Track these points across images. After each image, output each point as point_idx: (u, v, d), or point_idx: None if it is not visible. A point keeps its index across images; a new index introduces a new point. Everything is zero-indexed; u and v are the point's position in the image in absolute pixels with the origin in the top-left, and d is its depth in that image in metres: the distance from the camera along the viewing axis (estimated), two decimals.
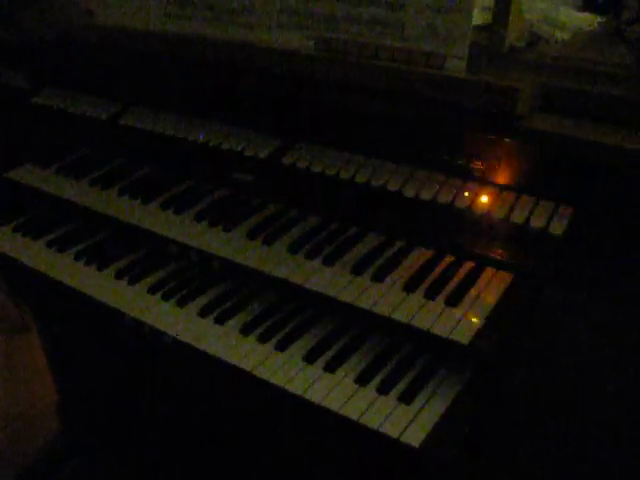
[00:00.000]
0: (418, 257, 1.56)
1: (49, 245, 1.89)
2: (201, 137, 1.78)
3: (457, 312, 1.40)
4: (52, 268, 1.81)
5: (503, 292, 1.44)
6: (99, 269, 1.79)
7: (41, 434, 2.89)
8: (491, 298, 1.43)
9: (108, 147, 2.03)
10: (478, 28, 1.49)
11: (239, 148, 1.72)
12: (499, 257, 1.48)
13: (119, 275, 1.75)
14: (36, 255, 1.87)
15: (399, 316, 1.41)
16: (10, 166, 2.06)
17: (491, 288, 1.45)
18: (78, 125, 2.02)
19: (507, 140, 1.36)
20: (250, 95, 1.72)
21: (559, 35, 1.49)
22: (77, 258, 1.83)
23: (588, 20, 1.56)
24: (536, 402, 1.39)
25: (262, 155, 1.70)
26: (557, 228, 1.38)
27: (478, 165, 1.43)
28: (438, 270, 1.52)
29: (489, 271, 1.49)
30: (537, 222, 1.39)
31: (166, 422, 2.18)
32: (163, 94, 1.87)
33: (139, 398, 2.25)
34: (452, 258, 1.54)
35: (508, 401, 1.41)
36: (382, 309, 1.43)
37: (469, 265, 1.52)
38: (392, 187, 1.54)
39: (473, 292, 1.45)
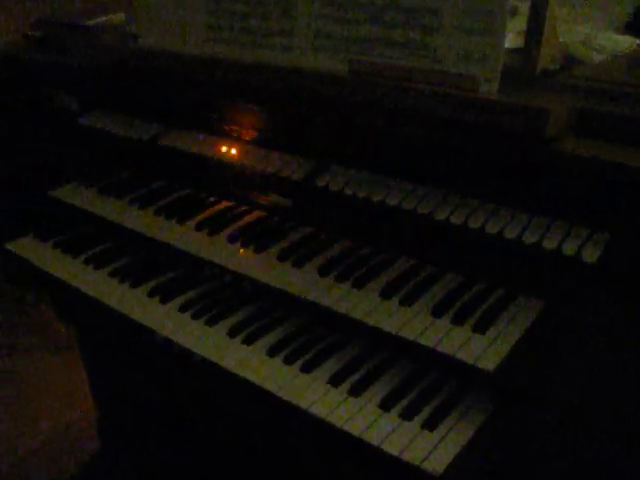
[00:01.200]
0: (448, 282, 1.54)
1: (86, 262, 1.93)
2: (236, 159, 1.80)
3: (484, 339, 1.37)
4: (87, 284, 1.84)
5: (533, 321, 1.41)
6: (132, 286, 1.81)
7: (82, 449, 2.94)
8: (520, 326, 1.39)
9: (148, 168, 2.07)
10: (513, 51, 1.47)
11: (273, 170, 1.73)
12: (530, 284, 1.45)
13: (152, 293, 1.77)
14: (73, 272, 1.91)
15: (425, 341, 1.38)
16: (56, 184, 2.11)
17: (521, 316, 1.42)
18: (120, 146, 2.06)
19: (535, 162, 1.33)
20: (287, 118, 1.73)
21: (596, 58, 1.46)
22: (112, 275, 1.86)
23: (627, 43, 1.53)
24: (563, 437, 1.35)
25: (296, 177, 1.70)
26: (591, 255, 1.34)
27: (510, 188, 1.40)
28: (468, 296, 1.49)
29: (520, 299, 1.46)
30: (570, 248, 1.35)
31: (195, 436, 2.19)
32: (199, 115, 1.90)
33: (172, 413, 2.27)
34: (483, 285, 1.52)
35: (533, 433, 1.37)
36: (408, 333, 1.41)
37: (499, 292, 1.49)
38: (422, 210, 1.52)
39: (502, 319, 1.41)
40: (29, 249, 2.02)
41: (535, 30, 1.36)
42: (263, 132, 1.79)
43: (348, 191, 1.60)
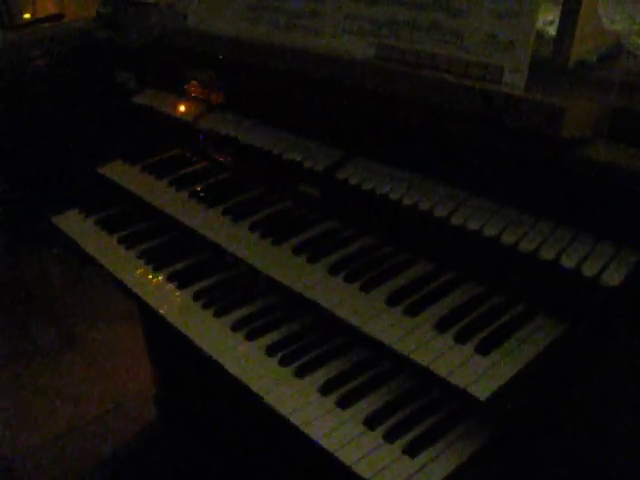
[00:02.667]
0: (464, 293, 1.39)
1: (119, 241, 1.92)
2: (266, 145, 1.72)
3: (485, 361, 1.22)
4: (115, 264, 1.83)
5: (546, 345, 1.24)
6: (155, 269, 1.78)
7: (140, 420, 2.99)
8: (531, 350, 1.23)
9: (189, 149, 2.03)
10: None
11: (299, 159, 1.64)
12: (549, 303, 1.28)
13: (170, 278, 1.74)
14: (107, 250, 1.90)
15: (418, 357, 1.25)
16: (105, 161, 2.12)
17: (534, 338, 1.25)
18: (167, 125, 2.04)
19: (552, 167, 1.16)
20: (313, 104, 1.63)
21: None
22: (140, 256, 1.84)
23: None
24: None
25: (319, 168, 1.60)
26: (612, 278, 1.15)
27: (520, 192, 1.24)
28: (481, 310, 1.34)
29: (537, 319, 1.29)
30: (590, 269, 1.18)
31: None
32: (237, 98, 1.83)
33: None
34: (501, 299, 1.36)
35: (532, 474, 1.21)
36: (403, 346, 1.28)
37: (518, 308, 1.33)
38: (439, 214, 1.38)
39: (512, 341, 1.26)
40: (73, 224, 2.04)
41: (569, 15, 1.18)
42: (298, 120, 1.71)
43: (366, 186, 1.49)
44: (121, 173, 2.06)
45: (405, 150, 1.46)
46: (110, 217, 2.04)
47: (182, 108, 2.00)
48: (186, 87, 2.02)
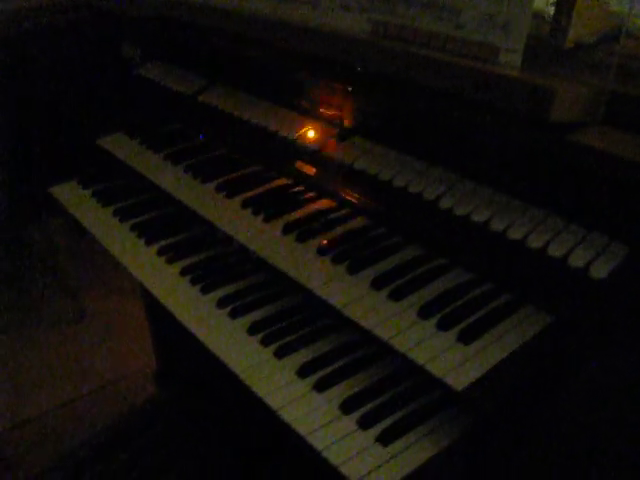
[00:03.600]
0: (453, 278, 1.35)
1: (114, 214, 1.90)
2: (258, 120, 1.69)
3: (467, 350, 1.18)
4: (107, 238, 1.82)
5: (533, 335, 1.19)
6: (146, 244, 1.76)
7: (140, 395, 3.00)
8: (515, 341, 1.19)
9: (189, 123, 2.00)
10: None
11: (293, 137, 1.60)
12: (536, 294, 1.23)
13: (160, 252, 1.72)
14: (99, 222, 1.88)
15: (398, 343, 1.22)
16: (105, 133, 2.10)
17: (519, 329, 1.21)
18: (167, 98, 2.01)
19: (543, 152, 1.11)
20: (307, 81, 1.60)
21: None
22: (132, 229, 1.82)
23: None
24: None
25: (312, 148, 1.57)
26: (600, 270, 1.11)
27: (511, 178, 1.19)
28: (469, 297, 1.30)
29: (525, 309, 1.25)
30: (578, 260, 1.13)
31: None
32: (235, 73, 1.80)
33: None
34: (491, 286, 1.31)
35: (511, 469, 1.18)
36: (383, 331, 1.24)
37: (507, 296, 1.28)
38: (428, 196, 1.34)
39: (497, 330, 1.21)
40: (69, 195, 2.02)
41: None
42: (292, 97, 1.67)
43: (362, 166, 1.46)
44: (119, 146, 2.03)
45: (397, 131, 1.42)
46: (107, 189, 2.02)
47: (183, 82, 1.97)
48: (184, 60, 1.98)
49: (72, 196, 2.02)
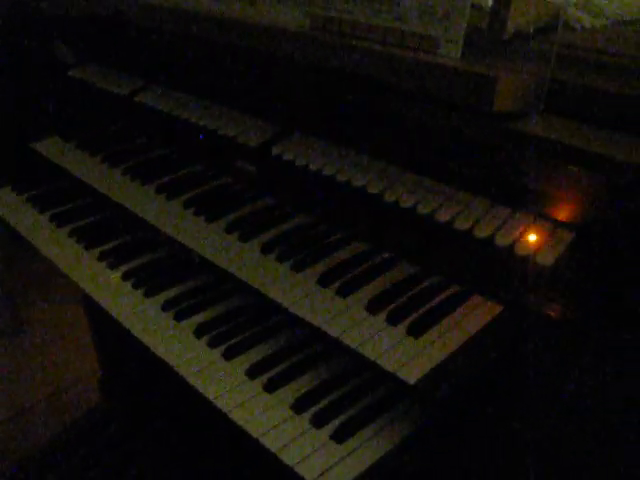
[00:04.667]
0: (399, 272, 1.34)
1: (51, 219, 1.83)
2: (199, 120, 1.65)
3: (417, 343, 1.17)
4: (45, 244, 1.75)
5: (483, 326, 1.19)
6: (86, 248, 1.71)
7: (84, 403, 2.91)
8: (465, 332, 1.19)
9: (127, 125, 1.95)
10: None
11: (233, 134, 1.57)
12: (486, 284, 1.23)
13: (101, 257, 1.66)
14: (36, 228, 1.81)
15: (348, 339, 1.20)
16: (39, 137, 2.03)
17: (470, 320, 1.21)
18: (103, 100, 1.96)
19: (485, 141, 1.11)
20: (244, 77, 1.57)
21: (589, 23, 1.22)
22: (71, 235, 1.76)
23: (635, 8, 1.27)
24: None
25: (253, 144, 1.54)
26: (547, 257, 1.12)
27: (452, 168, 1.19)
28: (417, 290, 1.29)
29: (474, 299, 1.25)
30: (524, 249, 1.14)
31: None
32: (173, 72, 1.76)
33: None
34: (439, 278, 1.31)
35: (464, 463, 1.18)
36: (332, 328, 1.22)
37: (455, 288, 1.28)
38: (373, 190, 1.33)
39: (447, 321, 1.21)
40: (3, 201, 1.95)
41: None
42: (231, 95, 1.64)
43: (299, 162, 1.44)
44: (55, 150, 1.97)
45: (340, 125, 1.40)
46: (43, 195, 1.95)
47: (119, 83, 1.92)
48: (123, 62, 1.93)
49: (6, 202, 1.95)
